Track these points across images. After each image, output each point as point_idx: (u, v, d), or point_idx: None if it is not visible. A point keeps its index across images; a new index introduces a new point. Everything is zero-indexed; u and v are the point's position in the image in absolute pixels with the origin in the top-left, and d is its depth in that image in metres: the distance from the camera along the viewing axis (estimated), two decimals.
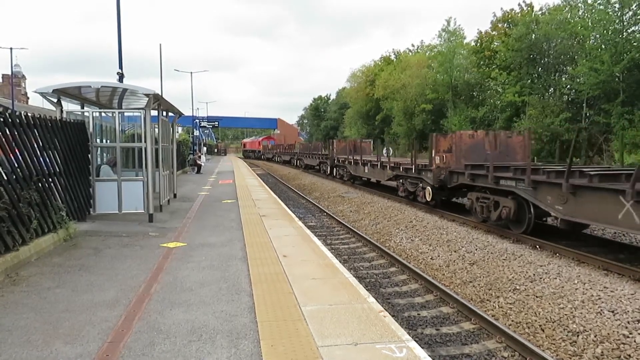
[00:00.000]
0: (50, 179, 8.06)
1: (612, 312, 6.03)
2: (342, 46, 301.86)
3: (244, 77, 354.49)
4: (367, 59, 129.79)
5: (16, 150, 7.01)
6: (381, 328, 4.33)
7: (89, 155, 10.03)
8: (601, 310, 6.15)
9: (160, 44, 50.24)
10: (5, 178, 6.44)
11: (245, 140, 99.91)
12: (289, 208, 13.31)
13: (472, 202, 11.93)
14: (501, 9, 41.94)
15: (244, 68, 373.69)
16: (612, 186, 7.69)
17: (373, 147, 26.43)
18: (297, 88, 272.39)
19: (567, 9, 31.75)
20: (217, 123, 64.64)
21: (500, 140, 13.03)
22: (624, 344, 5.41)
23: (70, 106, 11.24)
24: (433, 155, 13.43)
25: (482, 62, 39.78)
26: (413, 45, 61.90)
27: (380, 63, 61.97)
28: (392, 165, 17.21)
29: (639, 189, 7.07)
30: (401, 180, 16.53)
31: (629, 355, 5.23)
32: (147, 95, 10.06)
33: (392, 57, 62.71)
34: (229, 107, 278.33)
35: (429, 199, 14.18)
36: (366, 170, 20.37)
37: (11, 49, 42.82)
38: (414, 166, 14.88)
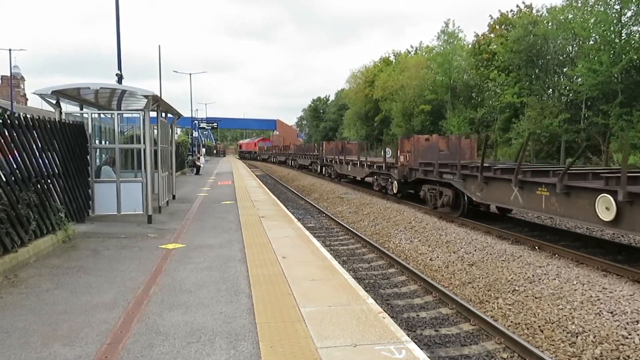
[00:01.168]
0: (49, 181, 8.05)
1: (611, 313, 6.04)
2: (340, 47, 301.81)
3: (242, 79, 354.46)
4: (365, 60, 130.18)
5: (15, 151, 7.00)
6: (380, 329, 4.32)
7: (88, 157, 10.02)
8: (600, 311, 6.15)
9: (159, 46, 50.22)
10: (4, 179, 6.43)
11: (241, 141, 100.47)
12: (288, 209, 13.31)
13: (425, 192, 14.53)
14: (499, 10, 42.04)
15: (243, 69, 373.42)
16: (506, 177, 10.18)
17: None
18: (295, 89, 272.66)
19: (567, 9, 31.79)
20: (216, 124, 64.68)
21: (452, 143, 15.34)
22: (623, 344, 5.41)
23: (69, 107, 11.21)
24: (398, 155, 16.22)
25: (480, 64, 39.83)
26: (412, 47, 62.00)
27: (379, 64, 62.02)
28: (369, 163, 19.59)
29: (521, 178, 9.63)
30: (375, 177, 18.99)
31: (628, 357, 5.23)
32: (146, 96, 10.05)
33: (392, 58, 62.77)
34: (228, 108, 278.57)
35: (395, 191, 16.76)
36: (349, 169, 22.85)
37: (10, 50, 42.77)
38: (384, 164, 17.45)
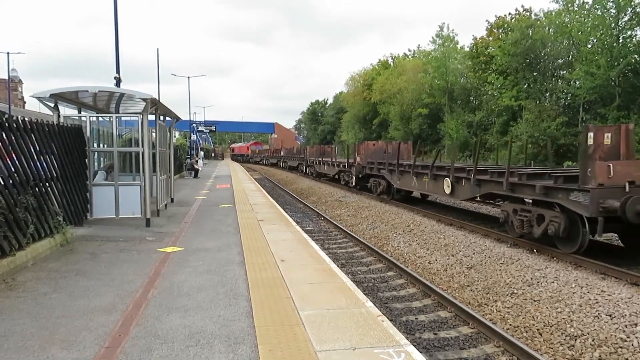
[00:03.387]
0: (47, 184, 8.03)
1: (610, 315, 6.04)
2: (336, 51, 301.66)
3: (239, 82, 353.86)
4: (361, 64, 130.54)
5: (13, 154, 6.99)
6: (379, 332, 4.32)
7: (86, 160, 10.01)
8: (599, 314, 6.15)
9: (157, 49, 50.08)
10: (2, 183, 6.42)
11: (233, 145, 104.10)
12: (286, 212, 13.30)
13: (370, 183, 19.65)
14: (495, 16, 42.16)
15: (239, 73, 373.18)
16: (409, 170, 15.05)
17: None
18: (292, 92, 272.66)
19: (564, 13, 31.92)
20: (214, 127, 64.79)
21: (393, 147, 19.52)
22: (621, 347, 5.42)
23: (67, 111, 11.21)
24: (355, 156, 21.27)
25: (478, 67, 39.93)
26: (410, 50, 62.12)
27: (377, 67, 62.14)
28: (337, 163, 24.96)
29: (415, 171, 14.60)
30: (342, 174, 24.14)
31: (627, 359, 5.23)
32: (144, 99, 10.06)
33: (390, 61, 62.91)
34: (226, 111, 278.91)
35: (354, 184, 21.60)
36: (325, 168, 27.69)
37: (8, 53, 42.91)
38: (347, 163, 22.70)
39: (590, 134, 8.32)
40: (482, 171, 11.47)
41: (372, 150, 20.15)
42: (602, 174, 7.87)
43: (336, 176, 25.39)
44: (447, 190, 12.56)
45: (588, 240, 8.26)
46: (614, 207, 7.53)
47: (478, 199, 12.91)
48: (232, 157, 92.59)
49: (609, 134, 8.34)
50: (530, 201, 9.68)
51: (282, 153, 50.64)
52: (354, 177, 21.35)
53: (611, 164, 7.94)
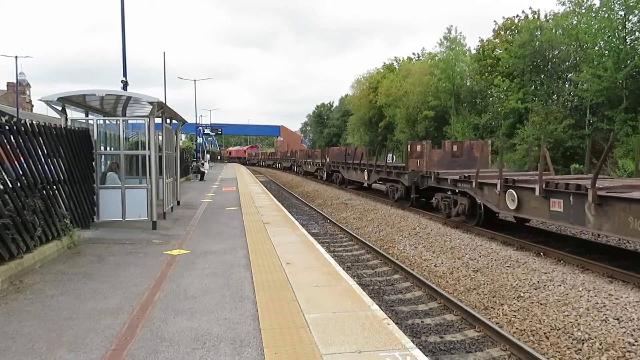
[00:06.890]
0: (54, 187, 8.09)
1: (617, 319, 6.00)
2: (339, 56, 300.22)
3: (244, 86, 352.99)
4: (364, 68, 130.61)
5: (21, 157, 7.05)
6: (385, 336, 4.31)
7: (93, 163, 10.07)
8: (606, 317, 6.11)
9: (164, 52, 50.42)
10: (10, 186, 6.47)
11: (230, 148, 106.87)
12: (292, 215, 13.31)
13: (335, 177, 27.25)
14: (503, 17, 41.91)
15: (244, 77, 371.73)
16: (353, 166, 23.13)
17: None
18: (297, 96, 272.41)
19: (571, 15, 31.74)
20: (220, 130, 64.95)
21: (351, 151, 25.47)
22: (629, 351, 5.37)
23: (75, 114, 11.30)
24: (326, 157, 29.65)
25: (484, 70, 39.78)
26: (414, 54, 62.01)
27: (382, 70, 62.12)
28: (315, 163, 33.94)
29: (354, 166, 23.13)
30: (318, 171, 32.42)
31: None
32: (151, 103, 10.11)
33: (395, 64, 62.87)
34: (232, 114, 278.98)
35: (325, 178, 29.44)
36: (309, 167, 36.33)
37: (16, 57, 43.07)
38: (321, 163, 31.32)
39: (408, 146, 16.57)
40: (378, 166, 19.37)
41: (336, 153, 28.41)
42: (413, 165, 16.04)
43: (315, 172, 33.80)
44: (366, 177, 20.74)
45: (414, 199, 16.14)
46: (416, 180, 15.53)
47: (377, 182, 20.02)
48: (228, 159, 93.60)
49: (420, 146, 16.19)
50: (405, 182, 16.37)
51: (277, 156, 59.71)
52: (325, 172, 29.35)
53: (418, 160, 15.84)
